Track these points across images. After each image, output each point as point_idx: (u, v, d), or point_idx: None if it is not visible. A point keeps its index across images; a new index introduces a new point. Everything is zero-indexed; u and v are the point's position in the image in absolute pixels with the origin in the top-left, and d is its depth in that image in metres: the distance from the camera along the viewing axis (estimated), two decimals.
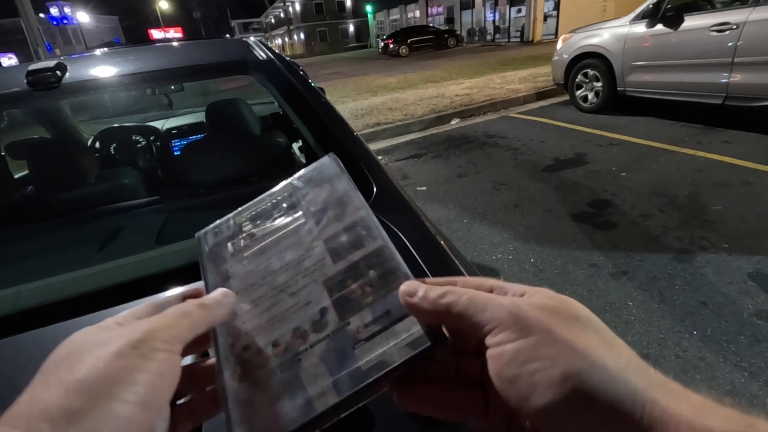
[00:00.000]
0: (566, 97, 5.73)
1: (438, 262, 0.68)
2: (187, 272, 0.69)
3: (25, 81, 0.99)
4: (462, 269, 0.68)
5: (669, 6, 4.08)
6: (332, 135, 0.99)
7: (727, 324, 1.77)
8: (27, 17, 8.47)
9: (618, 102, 4.85)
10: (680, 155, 3.56)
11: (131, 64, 1.17)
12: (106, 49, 1.55)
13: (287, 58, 1.28)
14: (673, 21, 4.01)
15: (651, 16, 4.22)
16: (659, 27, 4.15)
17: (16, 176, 1.80)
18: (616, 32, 4.62)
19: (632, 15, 4.46)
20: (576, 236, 2.56)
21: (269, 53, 1.23)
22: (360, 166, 0.90)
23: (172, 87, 1.91)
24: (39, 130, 2.07)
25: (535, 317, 0.24)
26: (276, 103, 2.62)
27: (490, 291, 0.27)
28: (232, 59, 1.22)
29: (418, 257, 0.68)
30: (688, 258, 2.22)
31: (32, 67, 1.02)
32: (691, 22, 3.90)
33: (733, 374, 1.54)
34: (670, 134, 4.06)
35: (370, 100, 7.52)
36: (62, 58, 1.12)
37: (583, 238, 2.54)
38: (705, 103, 3.95)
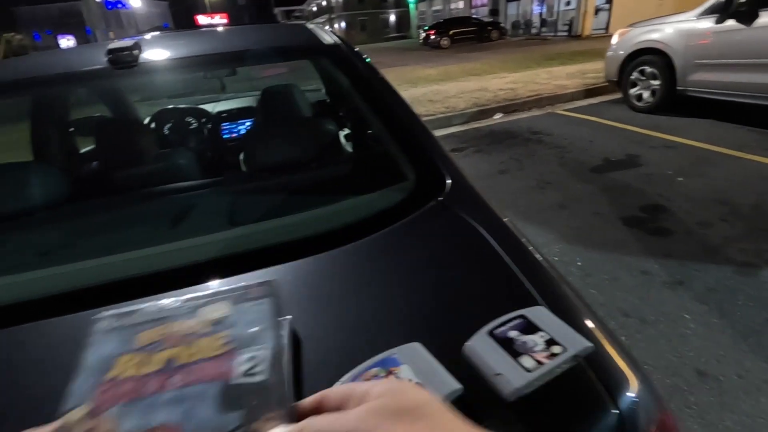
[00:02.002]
0: (617, 95, 5.46)
1: (517, 254, 0.66)
2: (262, 255, 0.69)
3: (105, 59, 1.02)
4: (538, 257, 0.66)
5: (743, 0, 3.78)
6: (402, 125, 0.96)
7: None
8: (87, 1, 8.88)
9: (675, 102, 4.57)
10: (744, 161, 3.32)
11: (203, 46, 1.18)
12: (157, 33, 1.58)
13: (350, 44, 1.26)
14: (747, 16, 3.72)
15: (722, 11, 3.92)
16: (730, 23, 3.85)
17: (81, 151, 1.88)
18: (679, 27, 4.33)
19: (699, 9, 4.17)
20: (627, 241, 2.44)
21: (335, 38, 1.22)
22: (432, 158, 0.88)
23: (234, 70, 1.94)
24: (91, 109, 2.15)
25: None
26: (323, 91, 2.64)
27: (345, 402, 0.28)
28: (300, 43, 1.22)
29: (498, 250, 0.66)
30: (752, 272, 2.07)
31: (111, 45, 1.05)
32: (767, 18, 3.60)
33: None
34: (733, 138, 3.79)
35: (409, 91, 7.43)
36: (121, 39, 1.15)
37: (634, 243, 2.42)
38: None
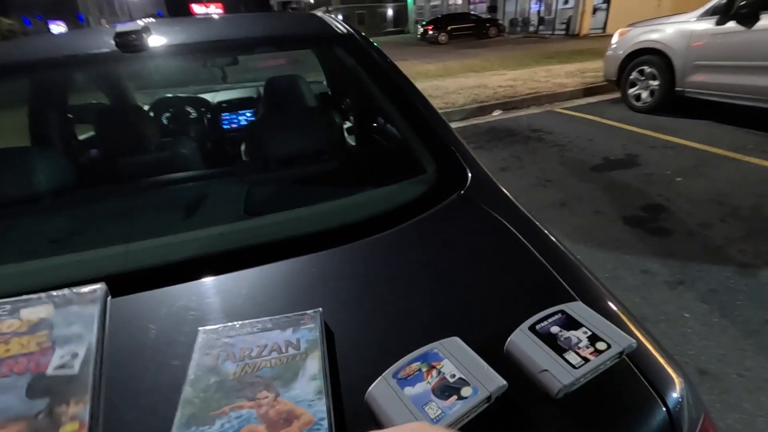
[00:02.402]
0: (616, 95, 5.47)
1: (546, 248, 0.65)
2: (281, 247, 0.67)
3: (114, 42, 0.98)
4: (576, 261, 0.64)
5: (744, 3, 3.80)
6: (422, 116, 0.95)
7: None
8: None
9: (674, 103, 4.59)
10: (743, 163, 3.35)
11: (214, 32, 1.15)
12: (152, 20, 1.54)
13: (363, 34, 1.24)
14: (748, 19, 3.73)
15: (722, 13, 3.94)
16: (731, 24, 3.87)
17: (80, 138, 1.84)
18: (680, 28, 4.35)
19: (700, 11, 4.18)
20: (628, 240, 2.45)
21: (348, 28, 1.19)
22: (452, 150, 0.86)
23: (237, 60, 1.90)
24: (88, 97, 2.10)
25: None
26: (324, 83, 2.60)
27: None
28: (316, 32, 1.19)
29: (526, 244, 0.64)
30: (752, 273, 2.09)
31: (120, 29, 1.01)
32: (767, 20, 3.62)
33: None
34: (731, 140, 3.82)
35: None
36: (116, 25, 1.12)
37: (635, 242, 2.43)
38: None
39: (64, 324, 0.39)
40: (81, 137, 1.87)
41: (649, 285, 2.07)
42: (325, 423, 0.39)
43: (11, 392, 0.33)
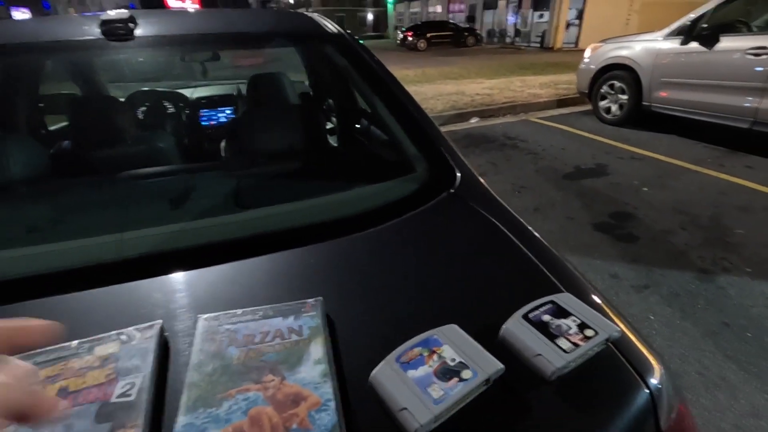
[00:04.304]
0: (587, 107, 5.70)
1: (532, 244, 0.68)
2: (275, 239, 0.68)
3: (99, 30, 0.96)
4: (560, 256, 0.68)
5: (706, 25, 4.04)
6: (412, 117, 0.97)
7: (750, 347, 1.77)
8: None
9: (641, 117, 4.82)
10: (702, 176, 3.55)
11: (199, 24, 1.14)
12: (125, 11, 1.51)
13: (352, 35, 1.26)
14: (709, 40, 3.98)
15: (686, 34, 4.18)
16: (693, 45, 4.11)
17: (51, 128, 1.77)
18: (648, 46, 4.58)
19: (667, 30, 4.42)
20: (597, 246, 2.56)
21: (336, 26, 1.21)
22: (440, 150, 0.89)
23: (218, 55, 1.88)
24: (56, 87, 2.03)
25: None
26: (306, 83, 2.60)
27: None
28: (306, 30, 1.19)
29: (515, 240, 0.68)
30: (710, 278, 2.22)
31: (105, 17, 0.99)
32: (727, 43, 3.87)
33: (756, 397, 1.55)
34: (692, 154, 4.05)
35: None
36: (92, 14, 1.09)
37: (604, 248, 2.53)
38: (731, 126, 3.93)
39: (126, 357, 0.46)
40: (52, 128, 1.80)
41: (617, 288, 2.17)
42: (332, 404, 0.40)
43: (84, 418, 0.40)
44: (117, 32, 0.98)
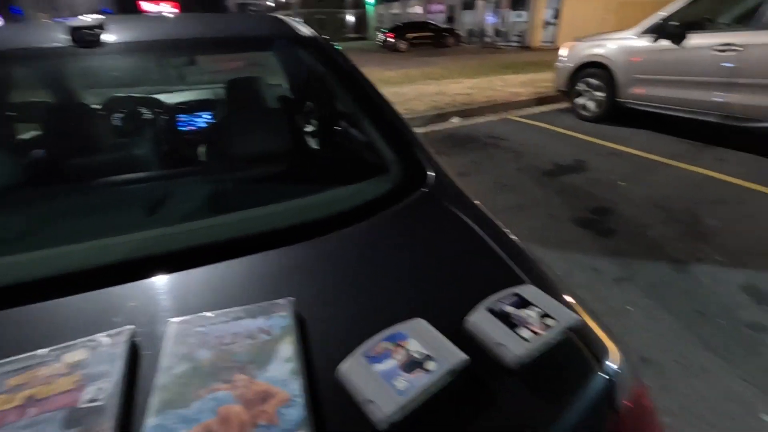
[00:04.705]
0: (566, 104, 5.80)
1: (500, 239, 0.70)
2: (249, 242, 0.68)
3: (68, 37, 0.95)
4: (525, 250, 0.70)
5: (675, 23, 4.16)
6: (385, 118, 0.98)
7: (723, 333, 1.83)
8: None
9: (618, 113, 4.94)
10: (677, 169, 3.65)
11: (172, 30, 1.14)
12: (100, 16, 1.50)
13: (326, 38, 1.27)
14: (678, 37, 4.09)
15: (656, 31, 4.30)
16: (664, 42, 4.23)
17: (24, 137, 1.74)
18: (621, 44, 4.69)
19: (638, 29, 4.54)
20: (578, 240, 2.61)
21: (311, 31, 1.21)
22: (414, 151, 0.90)
23: (194, 60, 1.87)
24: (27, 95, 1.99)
25: None
26: (284, 85, 2.59)
27: None
28: (280, 34, 1.20)
29: (483, 235, 0.70)
30: (685, 268, 2.29)
31: (74, 23, 0.98)
32: (695, 40, 3.99)
33: (730, 381, 1.60)
34: (667, 148, 4.16)
35: None
36: (60, 20, 1.08)
37: (585, 242, 2.59)
38: (702, 120, 4.06)
39: (95, 363, 0.46)
40: (23, 136, 1.76)
41: (598, 282, 2.22)
42: (300, 399, 0.41)
43: (52, 424, 0.40)
44: (86, 39, 0.97)
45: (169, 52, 1.21)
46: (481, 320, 0.50)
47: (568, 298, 0.60)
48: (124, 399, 0.43)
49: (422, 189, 0.83)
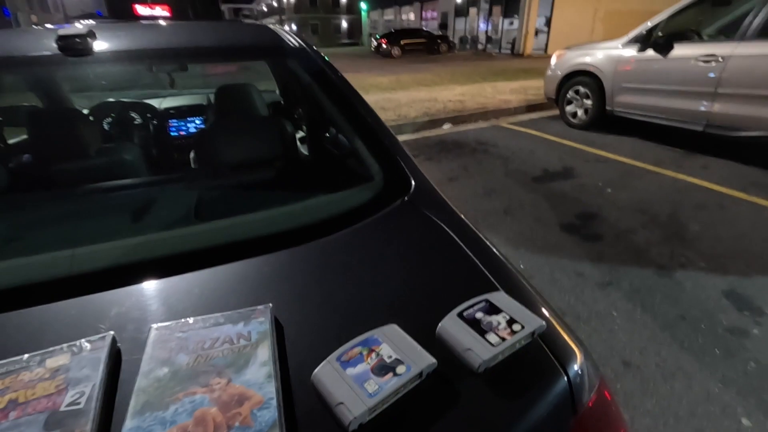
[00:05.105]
0: (555, 112, 5.89)
1: (476, 246, 0.73)
2: (233, 249, 0.70)
3: (56, 45, 0.97)
4: (501, 257, 0.73)
5: (660, 33, 4.26)
6: (368, 127, 1.01)
7: (703, 337, 1.87)
8: None
9: (606, 120, 5.02)
10: (662, 176, 3.73)
11: (161, 38, 1.15)
12: (91, 21, 1.51)
13: (314, 47, 1.29)
14: (663, 48, 4.19)
15: (643, 41, 4.39)
16: (649, 52, 4.32)
17: (10, 142, 1.73)
18: (608, 53, 4.79)
19: (625, 38, 4.63)
20: (564, 245, 2.65)
21: (299, 40, 1.24)
22: (397, 159, 0.93)
23: (186, 66, 1.88)
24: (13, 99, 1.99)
25: None
26: (277, 92, 2.61)
27: None
28: (266, 43, 1.22)
29: (460, 243, 0.72)
30: (668, 273, 2.34)
31: (62, 32, 1.00)
32: (680, 50, 4.08)
33: (708, 384, 1.64)
34: (653, 155, 4.24)
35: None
36: (58, 27, 1.09)
37: (570, 247, 2.63)
38: (686, 129, 4.15)
39: (77, 368, 0.47)
40: (10, 141, 1.76)
41: (582, 286, 2.26)
42: (274, 401, 0.43)
43: (33, 427, 0.41)
44: (75, 47, 0.98)
45: (158, 60, 1.23)
46: (451, 326, 0.52)
47: (537, 303, 0.63)
48: (104, 402, 0.44)
49: (404, 197, 0.86)
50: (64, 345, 0.50)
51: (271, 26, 1.38)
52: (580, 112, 5.26)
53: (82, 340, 0.51)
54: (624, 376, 1.69)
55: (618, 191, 3.42)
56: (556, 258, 2.51)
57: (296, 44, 1.21)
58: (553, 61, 5.56)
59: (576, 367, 0.52)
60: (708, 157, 4.12)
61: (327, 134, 1.31)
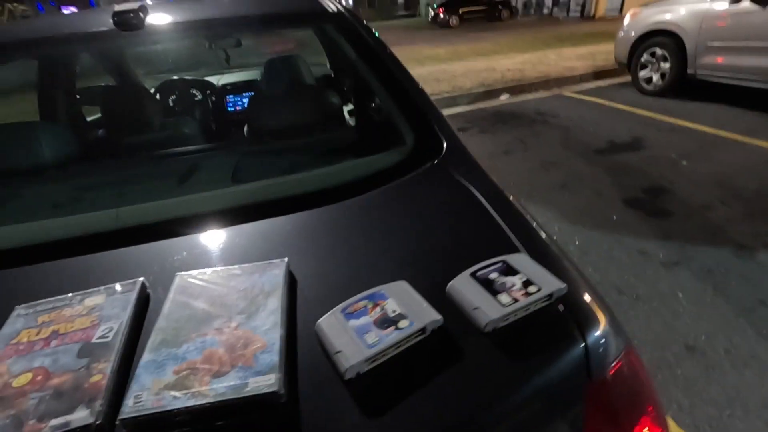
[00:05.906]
0: (627, 78, 5.37)
1: (503, 208, 0.70)
2: (262, 208, 0.73)
3: (111, 21, 1.03)
4: (530, 221, 0.69)
5: None
6: (403, 91, 0.99)
7: None
8: None
9: (685, 86, 4.50)
10: (751, 147, 3.30)
11: (205, 12, 1.19)
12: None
13: (353, 12, 1.27)
14: None
15: None
16: (745, 4, 3.76)
17: (88, 119, 1.91)
18: (693, 8, 4.24)
19: None
20: (626, 222, 2.46)
21: (338, 5, 1.22)
22: (430, 122, 0.91)
23: (240, 42, 1.95)
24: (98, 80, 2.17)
25: None
26: (328, 65, 2.63)
27: None
28: (305, 10, 1.22)
29: (486, 204, 0.69)
30: (749, 254, 2.09)
31: (118, 8, 1.06)
32: None
33: None
34: (742, 123, 3.75)
35: (416, 70, 7.34)
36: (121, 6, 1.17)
37: (634, 224, 2.43)
38: None
39: (109, 307, 0.53)
40: (89, 118, 1.94)
41: (644, 265, 2.09)
42: (276, 346, 0.44)
43: (69, 354, 0.48)
44: (129, 22, 1.05)
45: (203, 31, 1.27)
46: (462, 285, 0.51)
47: (564, 266, 0.58)
48: (128, 337, 0.49)
49: (434, 161, 0.83)
50: (101, 287, 0.55)
51: None
52: (655, 78, 4.76)
53: (117, 284, 0.55)
54: (685, 361, 1.56)
55: (695, 163, 3.08)
56: (617, 235, 2.34)
57: (334, 9, 1.20)
58: (626, 21, 5.03)
59: (597, 333, 0.48)
60: None
61: (365, 100, 1.30)
